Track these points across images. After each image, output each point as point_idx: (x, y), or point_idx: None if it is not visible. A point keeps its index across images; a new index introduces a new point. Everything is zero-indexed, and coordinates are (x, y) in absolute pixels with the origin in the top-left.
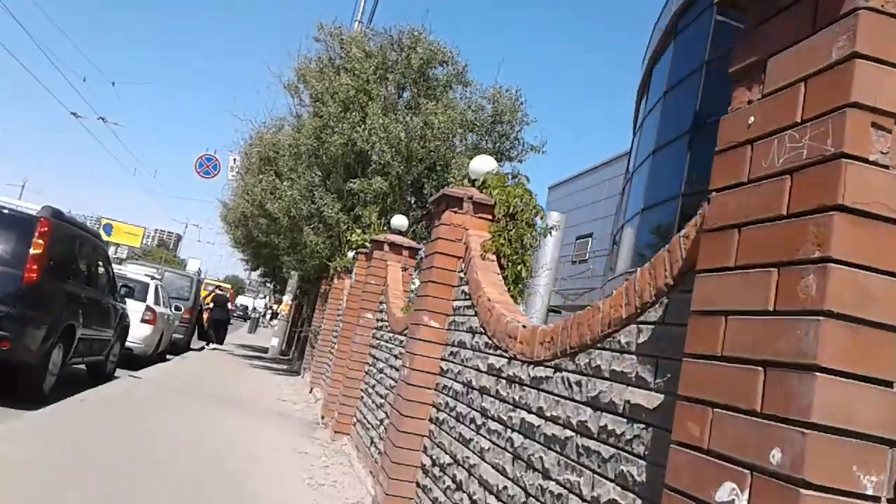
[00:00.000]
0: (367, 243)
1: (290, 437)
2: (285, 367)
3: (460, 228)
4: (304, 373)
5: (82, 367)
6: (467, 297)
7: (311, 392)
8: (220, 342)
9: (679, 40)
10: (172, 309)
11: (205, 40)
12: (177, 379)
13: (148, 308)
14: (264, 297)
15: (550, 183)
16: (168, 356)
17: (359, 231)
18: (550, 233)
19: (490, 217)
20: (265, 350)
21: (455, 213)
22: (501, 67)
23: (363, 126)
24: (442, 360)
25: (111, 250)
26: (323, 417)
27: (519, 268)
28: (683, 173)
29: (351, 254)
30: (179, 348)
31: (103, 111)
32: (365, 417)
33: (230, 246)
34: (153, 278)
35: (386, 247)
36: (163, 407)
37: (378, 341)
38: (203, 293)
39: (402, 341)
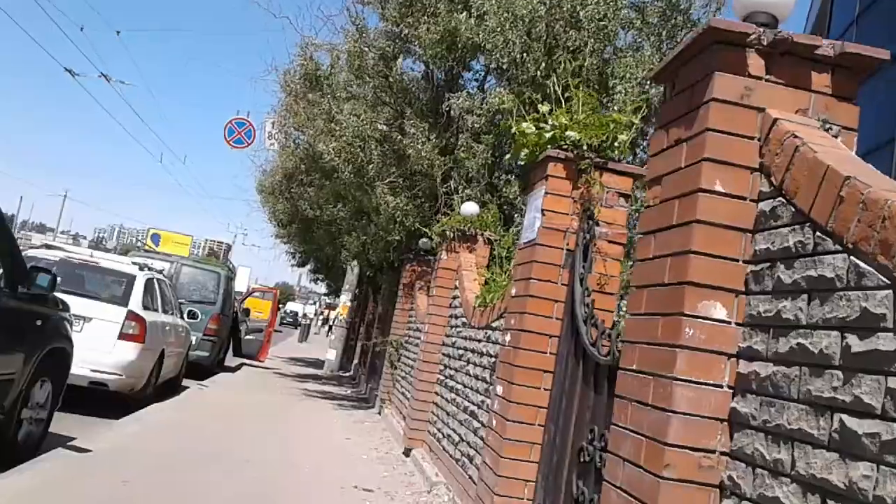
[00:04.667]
0: (563, 136)
1: None
2: (350, 392)
3: None
4: (381, 406)
5: None
6: None
7: (407, 456)
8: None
9: None
10: (185, 316)
11: None
12: (167, 443)
13: (132, 316)
14: (314, 304)
15: None
16: (188, 382)
17: (536, 117)
18: None
19: None
20: (320, 364)
21: None
22: None
23: (469, 10)
24: None
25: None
26: None
27: None
28: None
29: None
30: (204, 371)
31: (106, 69)
32: None
33: (271, 235)
34: (145, 269)
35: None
36: None
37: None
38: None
39: None
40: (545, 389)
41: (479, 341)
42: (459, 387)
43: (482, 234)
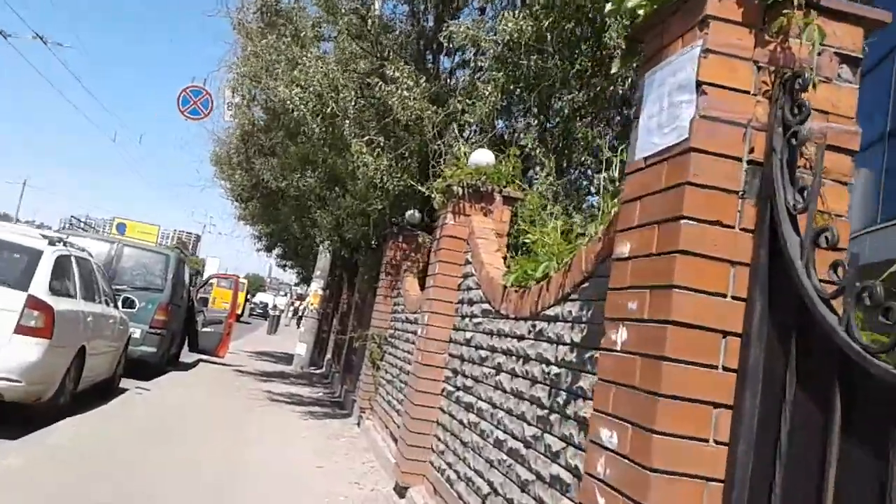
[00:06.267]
0: None
1: None
2: (322, 394)
3: None
4: (360, 416)
5: None
6: None
7: (402, 497)
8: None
9: None
10: (119, 305)
11: None
12: (50, 483)
13: (33, 303)
14: (285, 295)
15: None
16: (128, 383)
17: None
18: None
19: None
20: (289, 359)
21: None
22: None
23: None
24: None
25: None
26: None
27: None
28: None
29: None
30: (152, 370)
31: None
32: None
33: (233, 216)
34: (59, 243)
35: None
36: None
37: None
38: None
39: None
40: (717, 443)
41: (521, 339)
42: (485, 406)
43: (500, 192)
